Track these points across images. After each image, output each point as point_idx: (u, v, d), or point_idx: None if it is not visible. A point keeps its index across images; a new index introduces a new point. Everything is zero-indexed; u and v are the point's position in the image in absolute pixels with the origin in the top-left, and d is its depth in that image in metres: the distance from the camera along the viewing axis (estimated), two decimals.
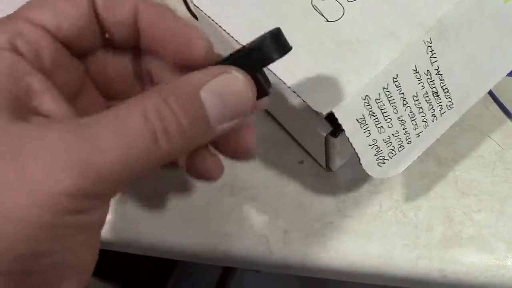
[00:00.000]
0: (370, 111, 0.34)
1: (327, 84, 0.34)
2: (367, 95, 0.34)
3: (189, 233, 0.40)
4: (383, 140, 0.35)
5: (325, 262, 0.39)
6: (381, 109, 0.35)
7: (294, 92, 0.34)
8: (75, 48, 0.27)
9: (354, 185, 0.41)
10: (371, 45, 0.35)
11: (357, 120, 0.34)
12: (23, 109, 0.22)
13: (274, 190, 0.41)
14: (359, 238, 0.39)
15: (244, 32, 0.38)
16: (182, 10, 0.50)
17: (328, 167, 0.41)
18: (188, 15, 0.49)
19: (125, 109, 0.22)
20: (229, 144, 0.29)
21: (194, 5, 0.40)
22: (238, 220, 0.40)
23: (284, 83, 0.35)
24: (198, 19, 0.43)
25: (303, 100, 0.34)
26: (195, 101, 0.23)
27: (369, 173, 0.36)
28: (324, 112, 0.33)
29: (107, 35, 0.28)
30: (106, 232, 0.41)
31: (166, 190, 0.42)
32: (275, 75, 0.35)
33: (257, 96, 0.26)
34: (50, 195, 0.20)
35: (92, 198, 0.21)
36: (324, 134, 0.35)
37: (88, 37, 0.26)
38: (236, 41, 0.37)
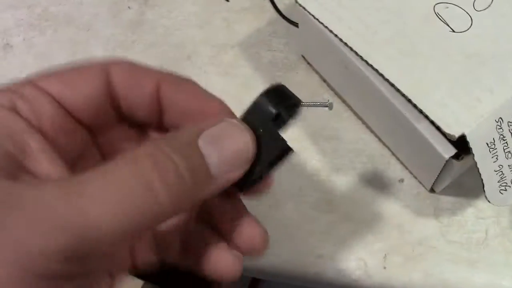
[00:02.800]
0: (501, 134, 0.31)
1: (456, 102, 0.31)
2: (500, 117, 0.31)
3: (278, 250, 0.38)
4: (508, 166, 0.32)
5: None
6: (511, 133, 0.32)
7: (420, 111, 0.31)
8: (80, 117, 0.25)
9: (458, 208, 0.38)
10: (506, 60, 0.32)
11: (487, 144, 0.31)
12: (17, 168, 0.21)
13: (372, 209, 0.38)
14: (464, 266, 0.36)
15: (358, 38, 0.34)
16: (268, 8, 0.47)
17: (431, 189, 0.38)
18: (275, 14, 0.46)
19: (119, 162, 0.20)
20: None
21: (299, 4, 0.37)
22: (333, 240, 0.38)
23: (407, 98, 0.32)
24: (299, 22, 0.40)
25: (432, 120, 0.31)
26: (193, 149, 0.21)
27: (489, 200, 0.33)
28: (456, 135, 0.30)
29: (123, 111, 0.26)
30: None
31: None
32: (395, 86, 0.32)
33: (265, 155, 0.24)
34: (30, 255, 0.18)
35: (79, 260, 0.19)
36: (447, 157, 0.32)
37: (96, 112, 0.25)
38: (349, 47, 0.34)
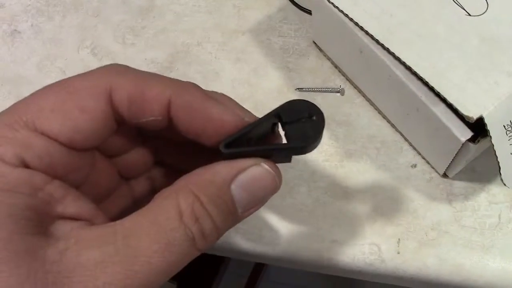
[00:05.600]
0: None
1: (473, 85, 0.31)
2: None
3: (291, 236, 0.38)
4: None
5: (440, 275, 0.36)
6: None
7: (437, 94, 0.31)
8: (89, 148, 0.25)
9: (471, 193, 0.38)
10: None
11: (504, 126, 0.31)
12: (48, 222, 0.21)
13: (385, 194, 0.38)
14: (477, 251, 0.36)
15: (374, 22, 0.34)
16: None
17: (444, 174, 0.38)
18: (285, 1, 0.46)
19: (162, 215, 0.21)
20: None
21: None
22: (346, 225, 0.38)
23: (424, 82, 0.32)
24: (313, 7, 0.39)
25: (449, 103, 0.31)
26: (226, 198, 0.23)
27: (505, 183, 0.33)
28: (475, 117, 0.30)
29: (127, 123, 0.25)
30: None
31: None
32: (410, 69, 0.32)
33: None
34: None
35: None
36: (463, 140, 0.32)
37: (102, 139, 0.25)
38: (365, 31, 0.34)
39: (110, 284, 0.19)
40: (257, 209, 0.25)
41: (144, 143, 0.28)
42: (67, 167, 0.23)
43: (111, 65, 0.25)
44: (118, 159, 0.28)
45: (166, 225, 0.21)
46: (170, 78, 0.25)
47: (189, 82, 0.25)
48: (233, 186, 0.23)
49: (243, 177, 0.23)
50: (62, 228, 0.21)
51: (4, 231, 0.19)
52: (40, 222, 0.21)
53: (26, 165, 0.21)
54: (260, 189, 0.24)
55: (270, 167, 0.24)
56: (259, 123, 0.24)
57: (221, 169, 0.23)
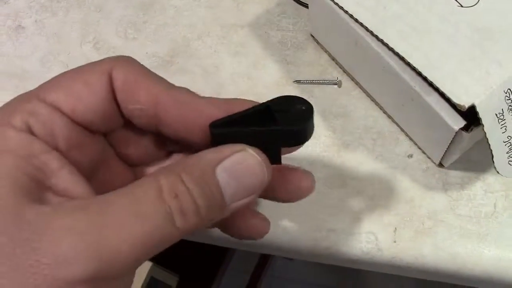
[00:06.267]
0: (510, 105, 0.32)
1: (465, 74, 0.32)
2: (509, 89, 0.31)
3: (289, 225, 0.38)
4: None
5: (437, 263, 0.37)
6: None
7: (430, 84, 0.32)
8: (93, 128, 0.25)
9: (466, 182, 0.39)
10: None
11: (496, 115, 0.32)
12: (40, 189, 0.22)
13: (382, 184, 0.39)
14: (473, 239, 0.37)
15: (368, 14, 0.35)
16: None
17: (440, 163, 0.38)
18: None
19: (141, 189, 0.22)
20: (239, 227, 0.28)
21: None
22: (344, 215, 0.38)
23: (418, 72, 0.32)
24: (309, 0, 0.40)
25: (442, 93, 0.31)
26: (210, 180, 0.22)
27: (499, 171, 0.33)
28: (466, 105, 0.31)
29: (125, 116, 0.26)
30: None
31: None
32: (404, 60, 0.33)
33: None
34: (64, 283, 0.19)
35: (109, 280, 0.21)
36: (456, 128, 0.32)
37: (105, 120, 0.26)
38: (360, 23, 0.35)
39: (76, 248, 0.20)
40: (247, 201, 0.24)
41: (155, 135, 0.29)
42: (69, 140, 0.24)
43: (119, 55, 0.26)
44: (128, 150, 0.28)
45: (142, 198, 0.21)
46: (164, 79, 0.26)
47: (182, 87, 0.26)
48: (218, 171, 0.22)
49: (228, 162, 0.23)
50: (50, 198, 0.22)
51: None
52: (31, 188, 0.21)
53: (31, 132, 0.23)
54: (246, 175, 0.23)
55: (256, 153, 0.23)
56: (248, 111, 0.25)
57: (206, 154, 0.23)
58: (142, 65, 0.26)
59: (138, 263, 0.21)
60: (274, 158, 0.25)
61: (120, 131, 0.27)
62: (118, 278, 0.21)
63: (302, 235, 0.38)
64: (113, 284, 0.21)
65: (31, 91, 0.24)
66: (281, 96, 0.25)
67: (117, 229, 0.20)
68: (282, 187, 0.27)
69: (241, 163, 0.23)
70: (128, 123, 0.27)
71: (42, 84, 0.24)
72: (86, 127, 0.25)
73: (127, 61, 0.26)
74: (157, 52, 0.46)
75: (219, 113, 0.25)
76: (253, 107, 0.25)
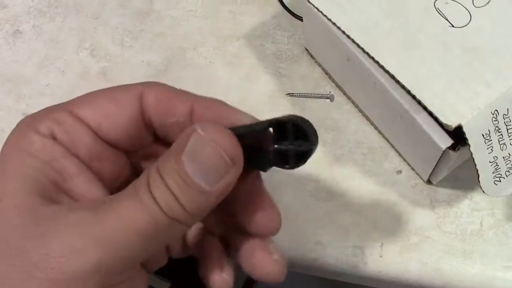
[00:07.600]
0: (496, 126, 0.32)
1: (454, 94, 0.32)
2: (496, 110, 0.32)
3: (277, 237, 0.39)
4: (503, 157, 0.33)
5: (422, 279, 0.37)
6: (506, 125, 0.33)
7: (419, 102, 0.32)
8: (116, 145, 0.27)
9: (454, 200, 0.39)
10: (503, 55, 0.33)
11: (483, 135, 0.32)
12: (57, 191, 0.24)
13: (370, 198, 0.39)
14: (458, 256, 0.37)
15: (359, 31, 0.35)
16: (273, 1, 0.48)
17: (428, 180, 0.39)
18: (279, 7, 0.47)
19: (138, 182, 0.23)
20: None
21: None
22: (331, 228, 0.39)
23: (407, 90, 0.33)
24: (303, 15, 0.41)
25: (430, 111, 0.32)
26: (179, 170, 0.23)
27: (484, 190, 0.34)
28: (454, 125, 0.31)
29: (158, 134, 0.27)
30: None
31: None
32: (394, 77, 0.33)
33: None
34: (72, 275, 0.21)
35: (115, 274, 0.22)
36: (444, 147, 0.33)
37: (130, 139, 0.27)
38: (352, 40, 0.35)
39: (82, 240, 0.21)
40: (228, 182, 0.23)
41: None
42: (91, 151, 0.25)
43: (147, 81, 0.27)
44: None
45: (139, 192, 0.22)
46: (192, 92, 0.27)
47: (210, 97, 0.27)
48: (183, 158, 0.22)
49: (187, 150, 0.22)
50: (65, 200, 0.24)
51: (15, 183, 0.23)
52: (49, 189, 0.23)
53: (54, 138, 0.24)
54: (203, 158, 0.22)
55: (209, 131, 0.23)
56: (254, 125, 0.25)
57: (173, 146, 0.23)
58: (170, 85, 0.27)
59: (139, 253, 0.23)
60: (260, 165, 0.25)
61: (145, 152, 0.28)
62: (122, 271, 0.23)
63: (290, 247, 0.38)
64: (118, 278, 0.23)
65: (61, 103, 0.26)
66: (303, 119, 0.25)
67: (119, 221, 0.22)
68: (252, 224, 0.29)
69: (195, 146, 0.23)
70: (156, 143, 0.28)
71: (73, 98, 0.26)
72: (110, 144, 0.26)
73: (157, 83, 0.27)
74: (152, 61, 0.46)
75: (247, 120, 0.26)
76: (258, 123, 0.25)
